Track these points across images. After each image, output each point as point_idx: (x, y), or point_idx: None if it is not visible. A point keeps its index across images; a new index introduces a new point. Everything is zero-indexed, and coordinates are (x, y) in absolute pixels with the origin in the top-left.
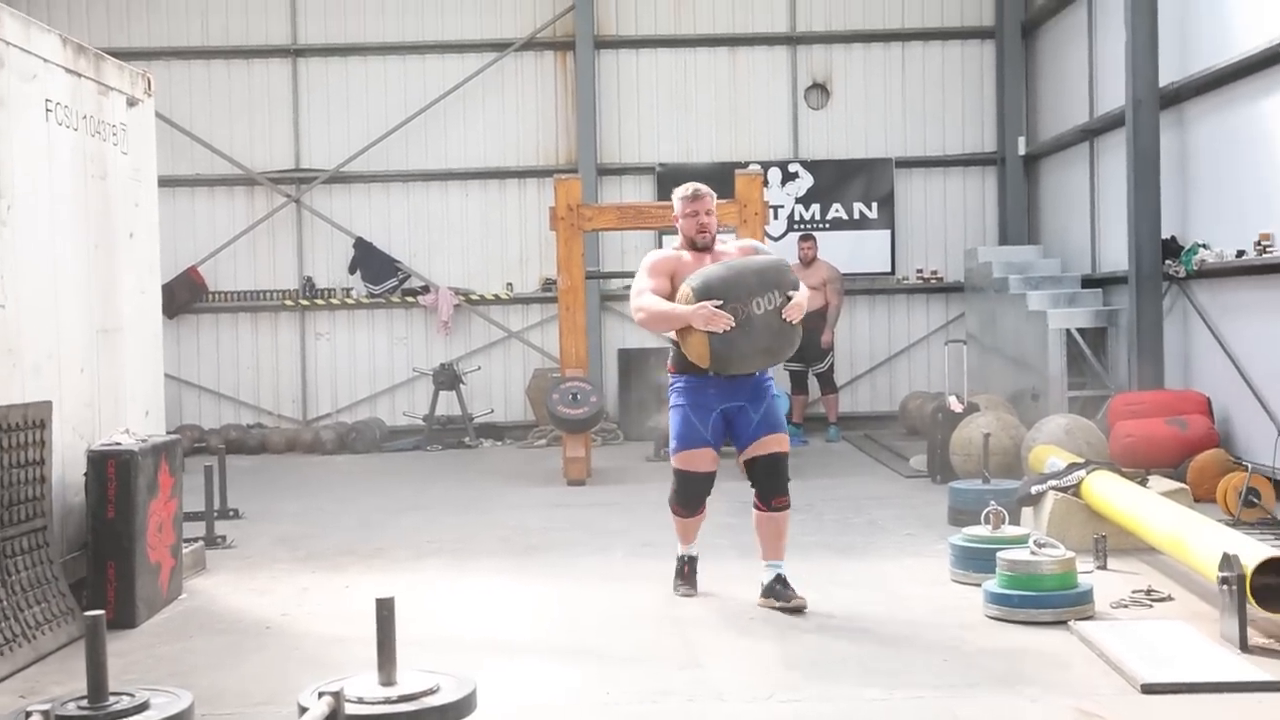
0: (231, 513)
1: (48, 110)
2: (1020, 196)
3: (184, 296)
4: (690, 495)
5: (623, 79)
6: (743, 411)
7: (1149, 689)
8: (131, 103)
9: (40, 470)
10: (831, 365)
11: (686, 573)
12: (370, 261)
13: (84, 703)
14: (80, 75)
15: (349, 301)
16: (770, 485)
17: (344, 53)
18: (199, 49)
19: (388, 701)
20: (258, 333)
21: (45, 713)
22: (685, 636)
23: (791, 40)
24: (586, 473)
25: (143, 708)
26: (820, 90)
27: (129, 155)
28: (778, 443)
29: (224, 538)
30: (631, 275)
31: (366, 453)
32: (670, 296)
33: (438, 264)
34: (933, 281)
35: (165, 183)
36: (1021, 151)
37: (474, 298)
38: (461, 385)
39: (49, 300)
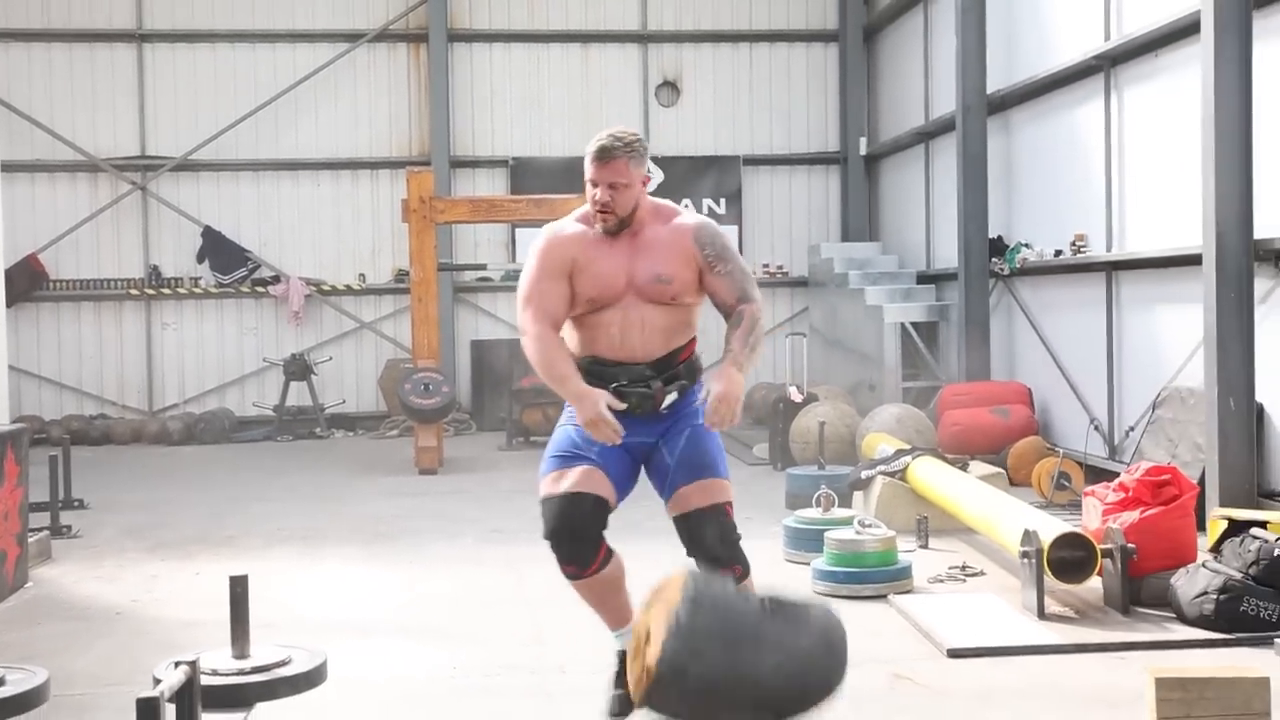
0: (76, 503)
1: None
2: (861, 195)
3: (23, 285)
4: (566, 528)
5: (476, 72)
6: (656, 451)
7: (954, 653)
8: None
9: None
10: None
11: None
12: (219, 251)
13: None
14: None
15: (197, 291)
16: (703, 554)
17: (191, 39)
18: (40, 31)
19: (241, 673)
20: (101, 322)
21: None
22: (532, 616)
23: (642, 38)
24: (438, 462)
25: None
26: (670, 88)
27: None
28: (703, 493)
29: (69, 527)
30: (481, 268)
31: (215, 443)
32: (570, 301)
33: (289, 254)
34: (778, 276)
35: (5, 168)
36: (863, 151)
37: (326, 288)
38: (313, 375)
39: None
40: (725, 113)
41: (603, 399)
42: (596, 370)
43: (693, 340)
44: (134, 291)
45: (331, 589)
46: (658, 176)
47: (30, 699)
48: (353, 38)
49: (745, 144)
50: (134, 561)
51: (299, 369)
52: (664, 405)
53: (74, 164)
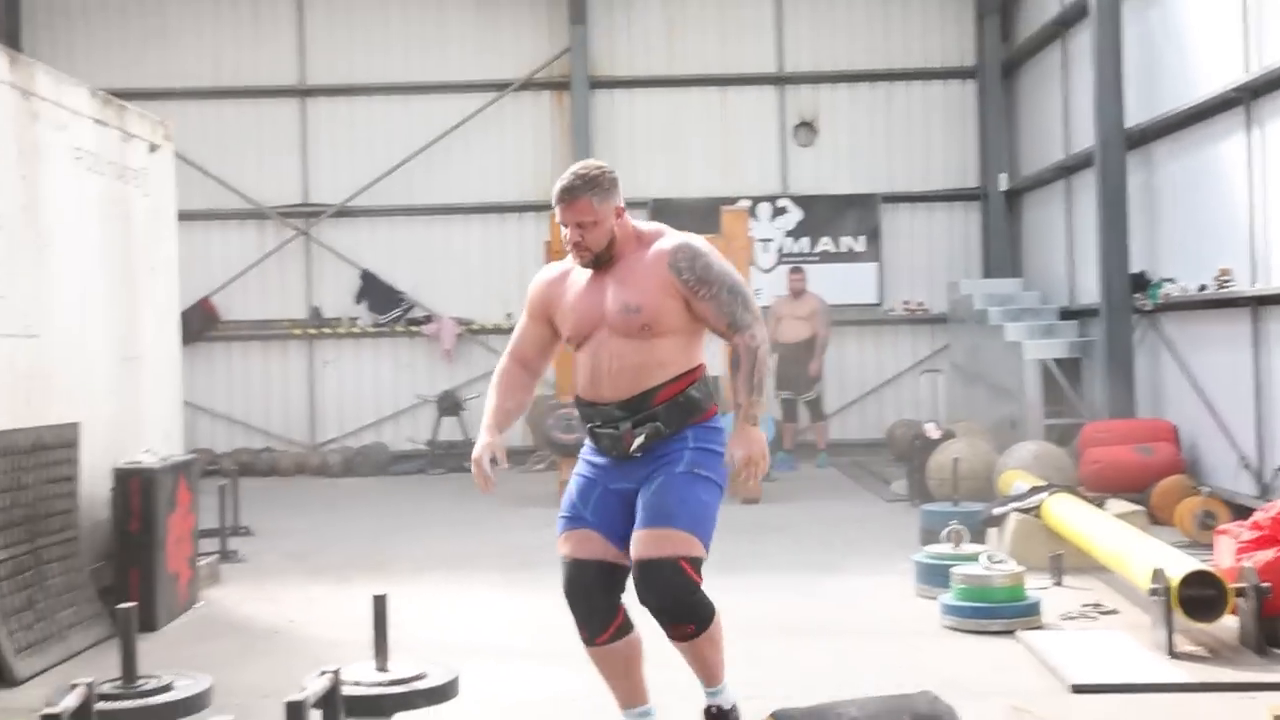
0: (243, 530)
1: (76, 158)
2: (1002, 231)
3: (198, 326)
4: (573, 594)
5: (616, 117)
6: (637, 496)
7: (1078, 689)
8: (152, 148)
9: (70, 486)
10: (820, 394)
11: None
12: (376, 292)
13: (118, 683)
14: (106, 124)
15: (355, 330)
16: (650, 606)
17: (350, 92)
18: (211, 89)
19: (380, 684)
20: (268, 360)
21: (88, 685)
22: (661, 643)
23: (780, 80)
24: None
25: (168, 688)
26: (808, 128)
27: (149, 197)
28: (656, 542)
29: (236, 552)
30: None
31: (372, 475)
32: (546, 344)
33: (440, 294)
34: (918, 313)
35: (181, 217)
36: (1003, 187)
37: (475, 327)
38: (463, 411)
39: (78, 331)
40: (863, 151)
41: (486, 451)
42: (581, 410)
43: (682, 379)
44: (297, 331)
45: (473, 613)
46: (795, 215)
47: (195, 703)
48: (499, 87)
49: (883, 182)
50: (294, 584)
51: (450, 405)
52: (632, 448)
53: (243, 212)
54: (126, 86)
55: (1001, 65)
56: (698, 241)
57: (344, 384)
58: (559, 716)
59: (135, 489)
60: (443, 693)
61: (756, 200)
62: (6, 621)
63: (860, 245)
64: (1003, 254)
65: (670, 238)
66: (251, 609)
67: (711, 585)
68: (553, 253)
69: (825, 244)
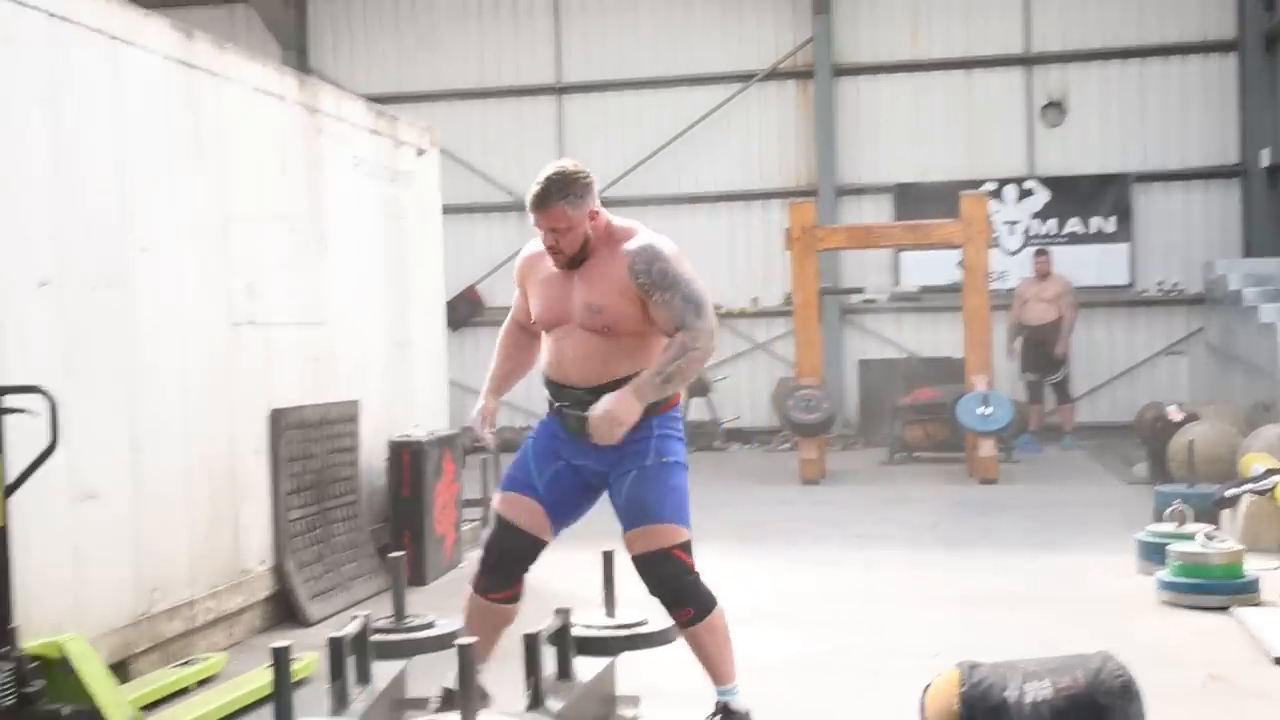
0: None
1: (355, 165)
2: (1264, 209)
3: (464, 312)
4: (494, 549)
5: (861, 103)
6: (609, 486)
7: None
8: (420, 152)
9: (352, 456)
10: (1066, 376)
11: (441, 698)
12: None
13: (390, 620)
14: (379, 134)
15: None
16: (656, 593)
17: (603, 89)
18: (475, 90)
19: (606, 628)
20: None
21: (365, 618)
22: (878, 610)
23: (1027, 60)
24: (820, 473)
25: (430, 625)
26: (1056, 108)
27: (418, 197)
28: (645, 538)
29: None
30: (858, 291)
31: None
32: (527, 311)
33: None
34: (1173, 294)
35: (448, 210)
36: (1265, 164)
37: (721, 311)
38: (711, 393)
39: (357, 319)
40: (1114, 130)
41: (480, 414)
42: (550, 388)
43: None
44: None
45: (710, 578)
46: (1042, 196)
47: (451, 639)
48: (745, 78)
49: (1136, 160)
50: (549, 549)
51: (699, 386)
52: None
53: (505, 205)
54: (400, 90)
55: (1264, 36)
56: (662, 244)
57: None
58: (772, 668)
59: (406, 459)
60: (662, 637)
61: (1002, 183)
62: (300, 571)
63: (1110, 226)
64: (1265, 232)
65: (636, 240)
66: None
67: (935, 559)
68: (792, 240)
69: (1074, 225)
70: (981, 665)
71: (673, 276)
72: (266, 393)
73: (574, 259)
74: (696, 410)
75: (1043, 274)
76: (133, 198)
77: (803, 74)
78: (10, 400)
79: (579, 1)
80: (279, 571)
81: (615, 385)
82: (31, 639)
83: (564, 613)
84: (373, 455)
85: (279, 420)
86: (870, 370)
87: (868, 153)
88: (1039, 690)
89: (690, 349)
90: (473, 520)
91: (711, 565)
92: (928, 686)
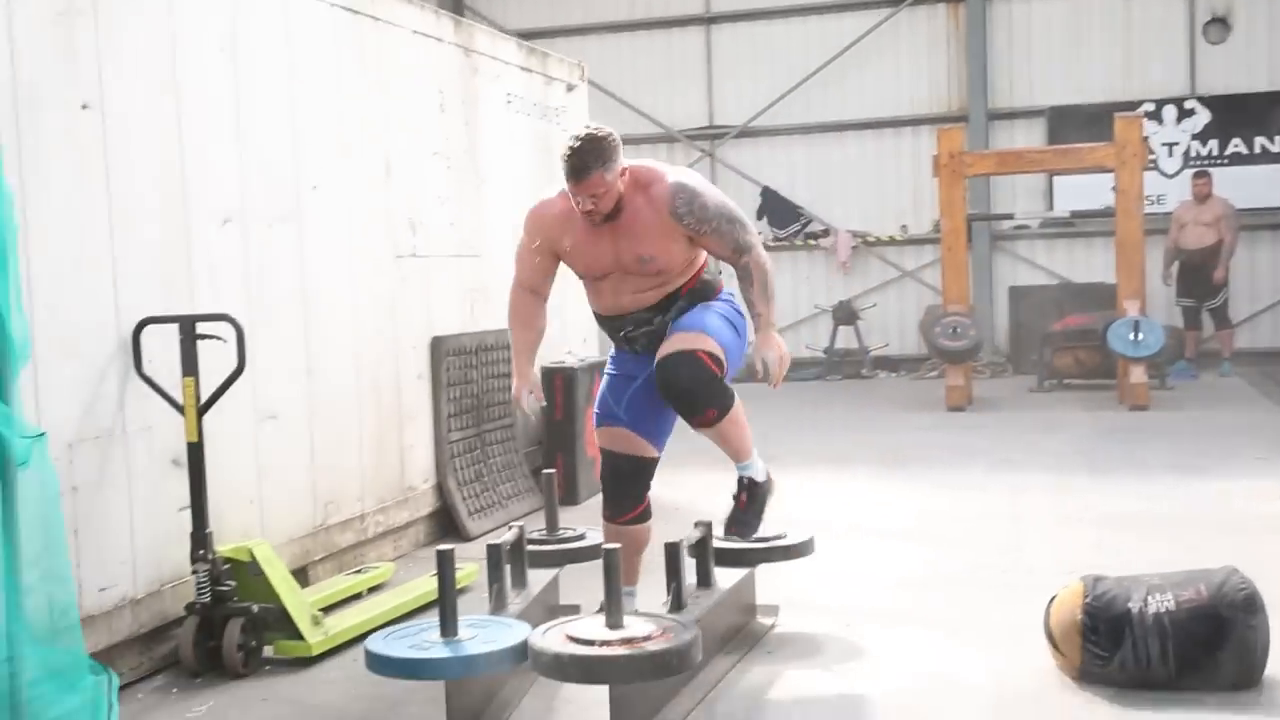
0: None
1: (507, 102)
2: None
3: None
4: (605, 477)
5: (1015, 25)
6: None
7: None
8: (569, 88)
9: (507, 381)
10: (1226, 300)
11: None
12: (776, 208)
13: (544, 531)
14: (530, 71)
15: None
16: (674, 394)
17: (751, 18)
18: (625, 23)
19: (746, 542)
20: None
21: (520, 528)
22: (1018, 530)
23: None
24: (966, 400)
25: (581, 537)
26: (1220, 24)
27: (567, 131)
28: (682, 340)
29: None
30: (1008, 217)
31: None
32: (551, 273)
33: (837, 209)
34: None
35: None
36: None
37: (870, 239)
38: (859, 321)
39: (511, 251)
40: None
41: (522, 392)
42: (607, 324)
43: (695, 275)
44: None
45: (850, 501)
46: (1203, 117)
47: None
48: (894, 2)
49: None
50: (696, 472)
51: (846, 314)
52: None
53: (654, 136)
54: (552, 25)
55: None
56: (689, 178)
57: None
58: (909, 582)
59: (559, 384)
60: (800, 549)
61: (1160, 104)
62: (460, 489)
63: (1276, 146)
64: None
65: (664, 181)
66: (657, 489)
67: (1078, 484)
68: (940, 167)
69: (1236, 146)
70: (1106, 578)
71: (713, 207)
72: (427, 321)
73: (607, 217)
74: (844, 338)
75: (1202, 197)
76: (304, 139)
77: None
78: (202, 327)
79: None
80: (441, 489)
81: (671, 299)
82: (223, 545)
83: (705, 525)
84: None
85: (439, 347)
86: (1021, 297)
87: (1021, 76)
88: (1162, 602)
89: (764, 264)
90: None
91: (855, 488)
92: (1053, 598)
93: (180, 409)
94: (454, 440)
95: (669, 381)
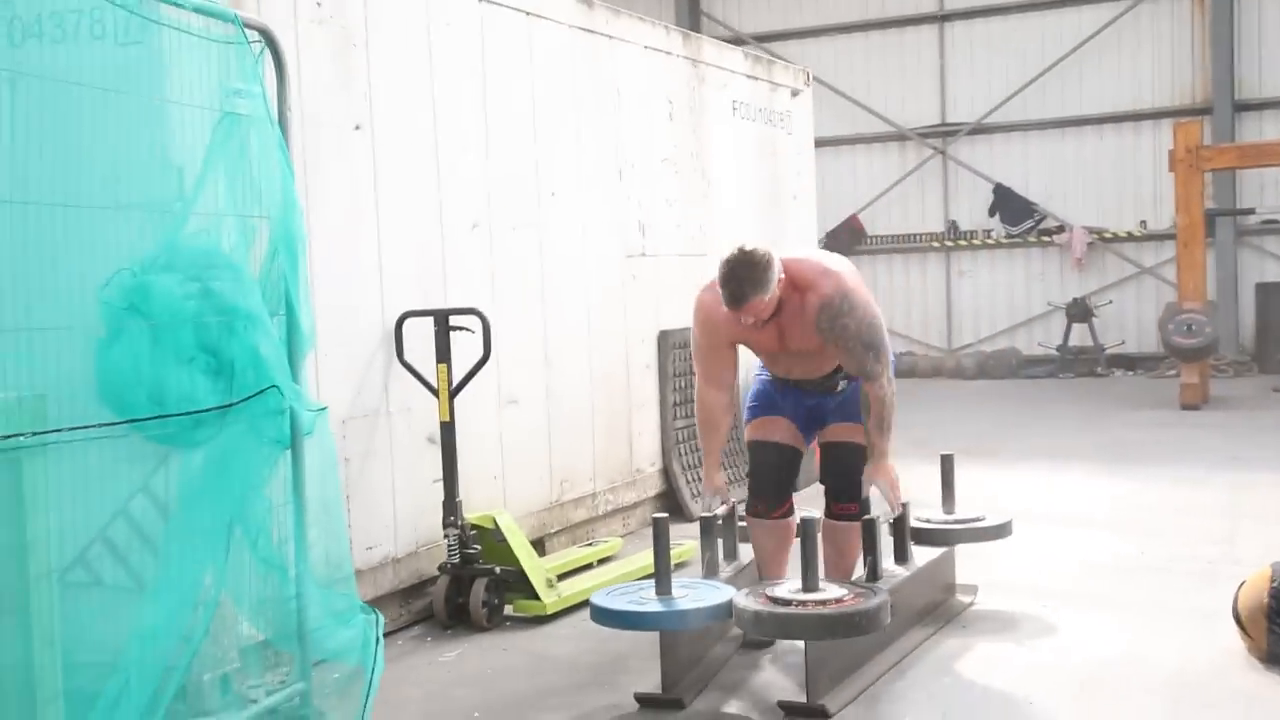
0: None
1: (734, 109)
2: None
3: (846, 240)
4: (758, 472)
5: (1265, 13)
6: (819, 405)
7: None
8: (794, 94)
9: None
10: None
11: None
12: (1008, 205)
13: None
14: (756, 79)
15: (989, 242)
16: (835, 482)
17: (985, 14)
18: (857, 23)
19: (944, 522)
20: (909, 271)
21: (733, 504)
22: (1233, 525)
23: None
24: (1202, 398)
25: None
26: None
27: (792, 135)
28: (848, 432)
29: None
30: (1250, 212)
31: (1003, 379)
32: (735, 362)
33: (1072, 205)
34: None
35: (831, 142)
36: None
37: (1107, 235)
38: (1093, 318)
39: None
40: None
41: (714, 496)
42: (779, 381)
43: None
44: (935, 244)
45: (1065, 492)
46: None
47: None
48: None
49: None
50: (910, 464)
51: (1080, 311)
52: (838, 389)
53: (885, 135)
54: (785, 28)
55: None
56: (841, 291)
57: (978, 292)
58: (1106, 569)
59: None
60: (997, 531)
61: None
62: (684, 473)
63: None
64: None
65: (817, 290)
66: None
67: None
68: (1176, 161)
69: None
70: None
71: (854, 330)
72: (655, 316)
73: (767, 322)
74: (1078, 335)
75: None
76: (543, 150)
77: None
78: (454, 320)
79: None
80: (666, 472)
81: (831, 376)
82: (470, 514)
83: (904, 505)
84: (750, 374)
85: (666, 340)
86: (1268, 294)
87: (1271, 65)
88: None
89: (883, 397)
90: None
91: (1074, 480)
92: (1242, 583)
93: (435, 392)
94: (679, 427)
95: (832, 464)
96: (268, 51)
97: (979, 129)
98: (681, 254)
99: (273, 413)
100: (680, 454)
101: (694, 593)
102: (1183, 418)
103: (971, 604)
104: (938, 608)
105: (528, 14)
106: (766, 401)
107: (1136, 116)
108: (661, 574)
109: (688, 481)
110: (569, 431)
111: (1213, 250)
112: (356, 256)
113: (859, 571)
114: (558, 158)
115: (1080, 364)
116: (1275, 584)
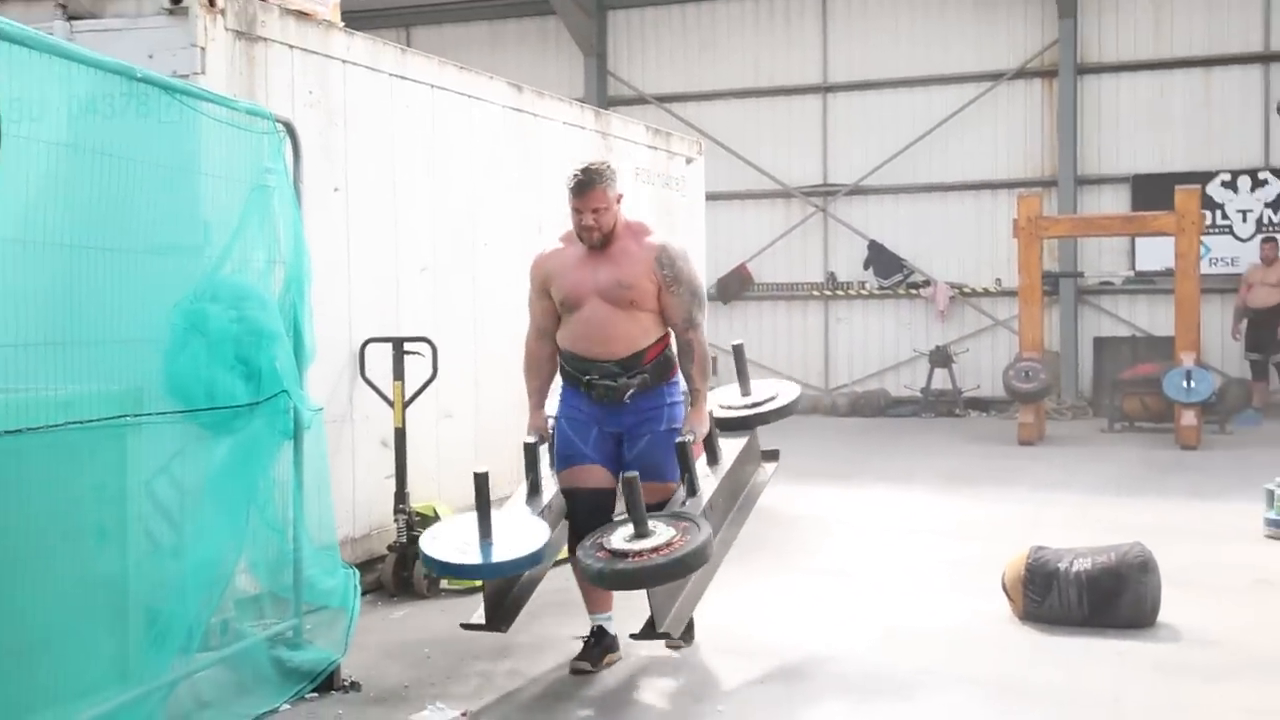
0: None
1: (636, 174)
2: None
3: (736, 287)
4: (575, 517)
5: (1104, 100)
6: (622, 442)
7: None
8: (688, 161)
9: None
10: None
11: (589, 645)
12: (881, 259)
13: None
14: (656, 148)
15: (863, 293)
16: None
17: (864, 87)
18: (750, 89)
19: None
20: (791, 316)
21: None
22: (1030, 530)
23: (1264, 58)
24: (1037, 435)
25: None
26: None
27: (686, 197)
28: (653, 494)
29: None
30: (1079, 275)
31: (873, 416)
32: (550, 310)
33: (936, 261)
34: None
35: (724, 196)
36: None
37: (966, 290)
38: (953, 364)
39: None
40: None
41: (534, 434)
42: (574, 364)
43: (661, 343)
44: (815, 293)
45: (903, 509)
46: (1275, 187)
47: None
48: (993, 77)
49: None
50: (779, 484)
51: (942, 358)
52: (625, 397)
53: (773, 191)
54: (685, 90)
55: None
56: (676, 245)
57: (853, 338)
58: (953, 569)
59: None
60: (790, 408)
61: (1236, 174)
62: None
63: None
64: None
65: (658, 235)
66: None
67: (1100, 500)
68: (1019, 229)
69: None
70: (1046, 548)
71: (686, 274)
72: None
73: (605, 238)
74: (939, 379)
75: (1269, 260)
76: (478, 207)
77: (1048, 73)
78: (409, 345)
79: (844, 8)
80: None
81: (637, 358)
82: (415, 504)
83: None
84: None
85: None
86: (1104, 347)
87: (1108, 146)
88: (1081, 563)
89: (704, 343)
90: None
91: (915, 498)
92: (1009, 562)
93: (390, 404)
94: None
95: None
96: (287, 139)
97: (856, 190)
98: None
99: (282, 411)
100: None
101: (511, 535)
102: (1020, 452)
103: (775, 468)
104: (748, 483)
105: (469, 97)
106: (573, 450)
107: (993, 185)
108: (482, 522)
109: None
110: (493, 441)
111: (1057, 307)
112: (332, 292)
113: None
114: (489, 214)
115: (941, 405)
116: (1030, 560)
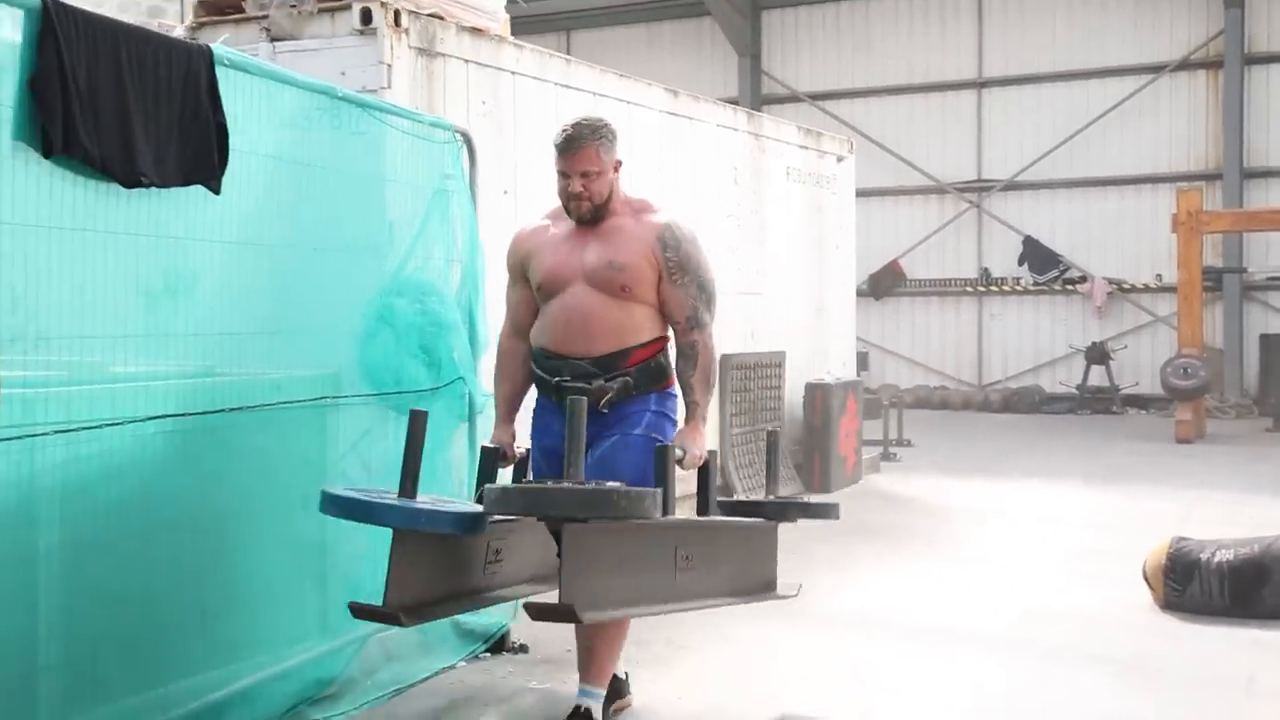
0: (906, 442)
1: (787, 173)
2: None
3: (888, 283)
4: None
5: (1272, 90)
6: (590, 447)
7: None
8: (839, 159)
9: (777, 392)
10: None
11: (580, 713)
12: (1036, 255)
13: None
14: (807, 148)
15: (1018, 289)
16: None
17: (1020, 82)
18: (903, 86)
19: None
20: (944, 313)
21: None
22: (1178, 525)
23: None
24: (1196, 434)
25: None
26: None
27: (836, 195)
28: None
29: (895, 455)
30: (1242, 271)
31: (1027, 413)
32: (528, 298)
33: (1094, 257)
34: None
35: (877, 193)
36: None
37: (1125, 286)
38: (1110, 361)
39: (786, 291)
40: None
41: (500, 443)
42: (545, 364)
43: (653, 345)
44: (969, 289)
45: (1052, 503)
46: None
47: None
48: (1154, 69)
49: None
50: (928, 477)
51: (1098, 355)
52: (602, 404)
53: (926, 188)
54: (838, 88)
55: None
56: (685, 226)
57: (1007, 334)
58: (1073, 550)
59: (819, 397)
60: (822, 510)
61: None
62: (737, 470)
63: None
64: None
65: (663, 213)
66: (894, 488)
67: (1254, 500)
68: (1178, 224)
69: None
70: (1189, 538)
71: (695, 261)
72: (718, 342)
73: (597, 210)
74: (1096, 376)
75: None
76: None
77: (1213, 64)
78: None
79: (1000, 3)
80: (723, 470)
81: (618, 357)
82: None
83: (710, 452)
84: (794, 393)
85: (726, 363)
86: (1271, 344)
87: (1278, 137)
88: (1224, 554)
89: (711, 349)
90: (875, 453)
91: (1065, 493)
92: (1150, 551)
93: None
94: (735, 433)
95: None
96: (465, 147)
97: (1011, 185)
98: (741, 292)
99: (459, 396)
100: (735, 455)
101: (440, 504)
102: (1176, 450)
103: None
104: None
105: (629, 103)
106: (539, 478)
107: (1154, 179)
108: (407, 474)
109: (740, 479)
110: None
111: (1221, 303)
112: (503, 287)
113: None
114: None
115: (1097, 402)
116: (1172, 550)
